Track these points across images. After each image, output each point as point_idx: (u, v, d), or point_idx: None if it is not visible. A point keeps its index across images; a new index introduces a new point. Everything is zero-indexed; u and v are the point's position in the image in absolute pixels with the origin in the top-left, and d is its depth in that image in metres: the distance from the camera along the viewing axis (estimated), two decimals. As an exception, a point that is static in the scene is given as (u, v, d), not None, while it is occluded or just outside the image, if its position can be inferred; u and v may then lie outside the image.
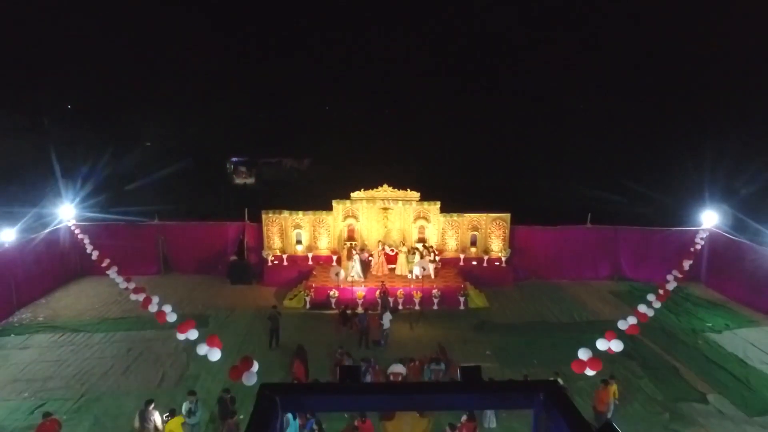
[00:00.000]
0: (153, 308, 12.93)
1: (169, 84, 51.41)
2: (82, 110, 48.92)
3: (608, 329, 17.25)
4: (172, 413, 10.84)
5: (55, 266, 20.88)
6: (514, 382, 5.55)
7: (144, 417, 10.90)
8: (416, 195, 21.77)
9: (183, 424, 10.73)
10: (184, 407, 11.07)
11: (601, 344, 11.54)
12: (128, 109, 48.08)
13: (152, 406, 10.98)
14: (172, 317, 12.59)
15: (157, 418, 10.93)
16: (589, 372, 11.12)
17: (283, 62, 60.03)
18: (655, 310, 13.63)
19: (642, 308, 12.98)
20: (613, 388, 11.94)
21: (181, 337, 11.67)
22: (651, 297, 13.81)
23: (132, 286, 14.41)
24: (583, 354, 11.03)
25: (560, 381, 12.23)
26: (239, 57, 58.87)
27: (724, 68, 34.02)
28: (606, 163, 31.38)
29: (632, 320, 12.40)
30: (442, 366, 13.90)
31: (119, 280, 15.34)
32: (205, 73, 55.30)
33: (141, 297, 13.39)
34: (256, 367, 9.71)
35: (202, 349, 10.67)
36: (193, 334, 11.71)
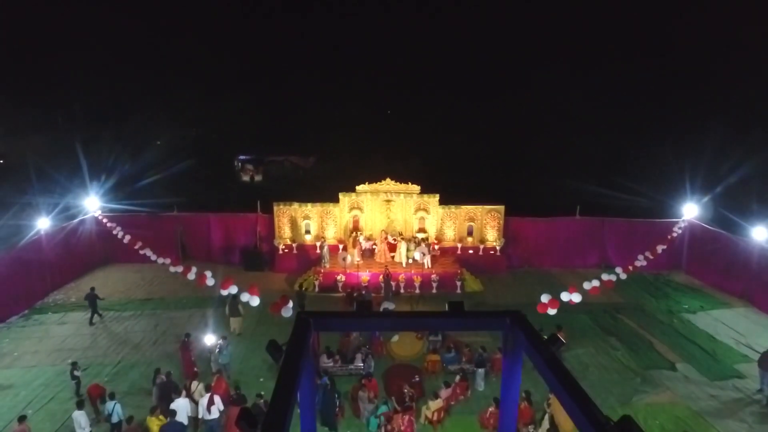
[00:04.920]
0: (191, 276, 14.62)
1: (176, 85, 53.02)
2: (94, 109, 50.59)
3: (592, 311, 19.01)
4: (225, 338, 14.06)
5: (83, 253, 22.56)
6: (488, 311, 7.20)
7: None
8: (417, 188, 23.36)
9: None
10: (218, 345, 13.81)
11: (564, 296, 13.31)
12: (138, 109, 49.78)
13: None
14: (211, 281, 14.33)
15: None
16: (551, 311, 13.22)
17: (288, 63, 61.71)
18: (619, 279, 15.33)
19: (605, 276, 14.65)
20: None
21: (224, 292, 13.60)
22: (618, 269, 15.44)
23: (168, 261, 16.09)
24: (545, 298, 13.08)
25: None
26: (245, 58, 60.53)
27: (713, 66, 35.56)
28: (595, 159, 33.01)
29: (595, 282, 14.13)
30: (440, 337, 15.59)
31: (155, 257, 17.00)
32: (212, 73, 56.94)
33: (180, 269, 15.07)
34: (290, 303, 11.53)
35: (245, 297, 12.58)
36: (233, 289, 14.25)
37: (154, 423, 10.57)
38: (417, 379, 13.37)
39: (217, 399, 11.09)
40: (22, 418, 11.04)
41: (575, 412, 4.92)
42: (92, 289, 17.99)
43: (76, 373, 13.09)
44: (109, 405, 11.29)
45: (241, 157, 49.90)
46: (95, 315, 17.73)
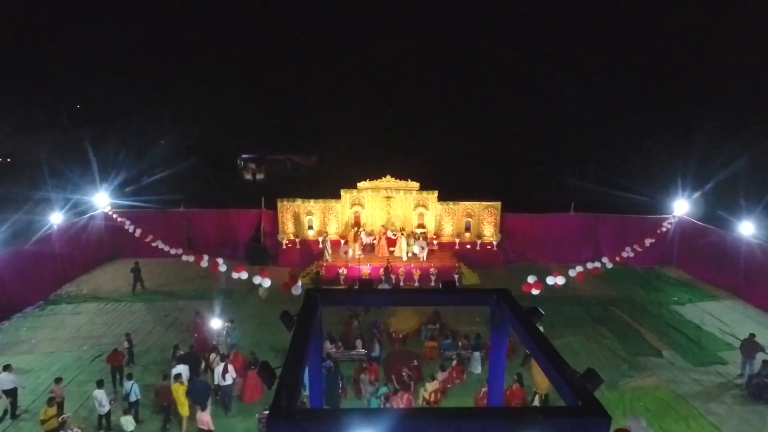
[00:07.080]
0: (204, 264, 15.41)
1: (179, 84, 53.81)
2: (98, 109, 51.36)
3: (585, 303, 19.72)
4: (232, 321, 15.14)
5: (92, 248, 23.30)
6: (477, 289, 8.00)
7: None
8: (416, 185, 24.11)
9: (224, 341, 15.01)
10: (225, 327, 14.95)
11: (550, 280, 14.14)
12: (142, 109, 50.59)
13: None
14: (223, 267, 15.15)
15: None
16: (534, 291, 14.36)
17: (290, 64, 62.57)
18: (613, 273, 16.10)
19: (589, 265, 15.43)
20: None
21: (235, 275, 14.58)
22: (605, 259, 16.18)
23: (180, 251, 16.85)
24: (531, 279, 14.32)
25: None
26: (248, 59, 61.38)
27: (709, 67, 36.29)
28: (590, 157, 33.76)
29: (579, 269, 14.94)
30: (437, 326, 16.34)
31: (167, 248, 17.76)
32: (214, 74, 57.77)
33: (192, 258, 15.83)
34: (300, 282, 12.39)
35: (257, 280, 13.45)
36: (244, 275, 15.49)
37: (179, 388, 11.69)
38: (415, 363, 14.11)
39: (230, 368, 12.51)
40: (58, 380, 12.35)
41: (549, 368, 5.72)
42: (136, 263, 20.57)
43: (126, 345, 14.58)
44: (127, 385, 12.07)
45: (244, 155, 50.72)
46: (138, 285, 20.55)
